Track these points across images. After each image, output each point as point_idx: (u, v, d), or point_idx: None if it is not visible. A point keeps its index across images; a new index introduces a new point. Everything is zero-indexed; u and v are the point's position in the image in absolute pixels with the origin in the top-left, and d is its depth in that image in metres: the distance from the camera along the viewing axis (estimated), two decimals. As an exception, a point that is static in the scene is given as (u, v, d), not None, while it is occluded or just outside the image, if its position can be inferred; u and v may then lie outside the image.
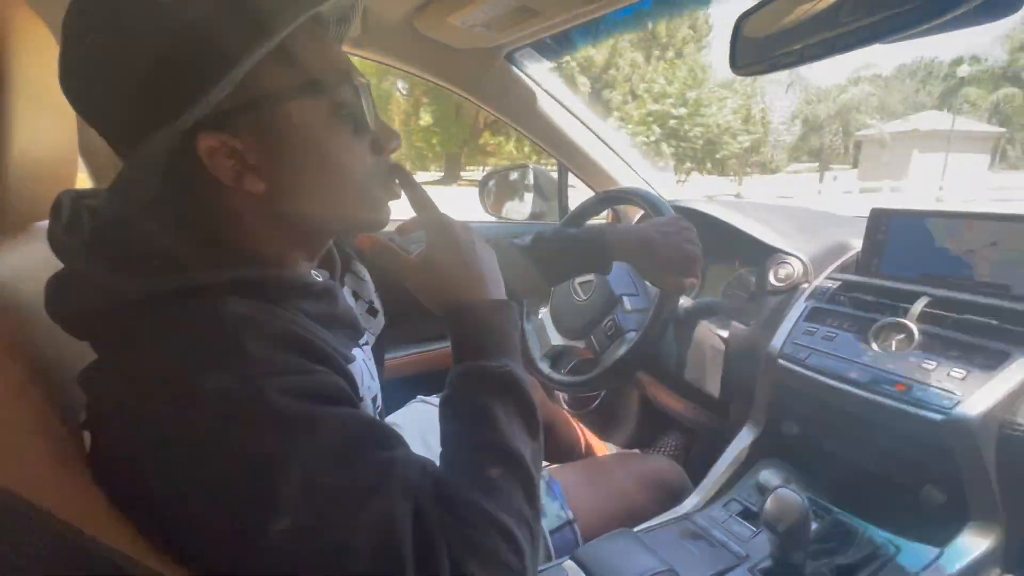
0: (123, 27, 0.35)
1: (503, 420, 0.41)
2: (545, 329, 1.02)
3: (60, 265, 0.39)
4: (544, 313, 1.05)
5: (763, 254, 0.94)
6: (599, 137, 1.31)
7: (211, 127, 0.37)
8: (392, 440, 0.39)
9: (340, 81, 0.41)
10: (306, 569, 0.32)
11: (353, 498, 0.34)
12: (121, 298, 0.36)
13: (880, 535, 0.63)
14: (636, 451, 1.30)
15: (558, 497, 0.76)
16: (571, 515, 0.74)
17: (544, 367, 0.99)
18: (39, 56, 0.44)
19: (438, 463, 0.41)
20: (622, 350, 0.88)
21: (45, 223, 0.51)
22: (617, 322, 0.93)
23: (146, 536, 0.35)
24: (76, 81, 0.38)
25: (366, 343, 0.56)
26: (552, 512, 0.74)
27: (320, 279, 0.49)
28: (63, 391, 0.39)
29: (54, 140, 0.49)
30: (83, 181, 0.62)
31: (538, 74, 1.20)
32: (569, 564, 0.65)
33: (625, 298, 0.96)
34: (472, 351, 0.45)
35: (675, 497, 0.83)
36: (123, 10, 0.35)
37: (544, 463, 0.85)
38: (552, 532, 0.72)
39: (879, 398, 0.65)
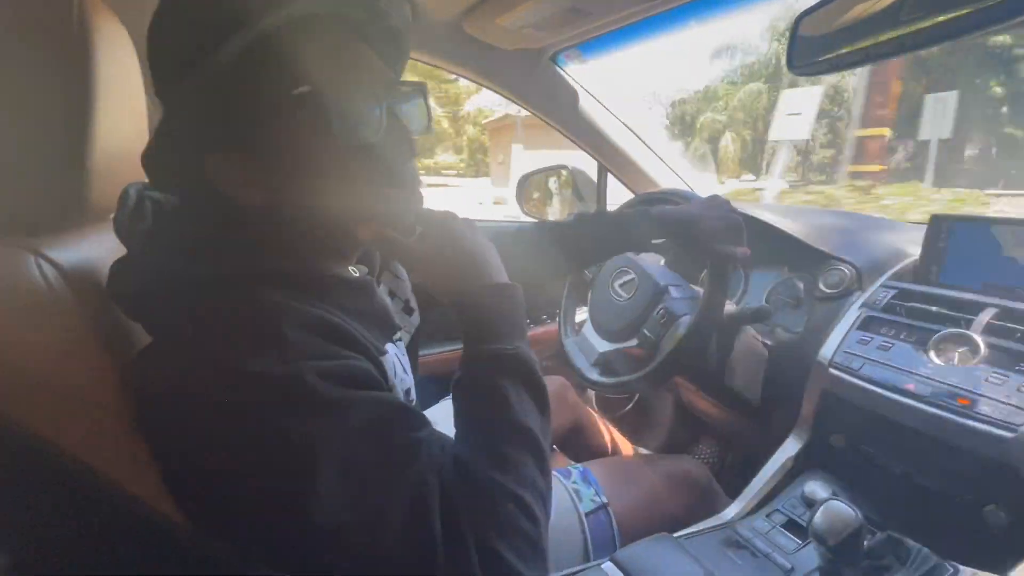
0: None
1: (514, 398, 0.43)
2: (588, 340, 1.00)
3: None
4: (586, 327, 1.03)
5: (812, 260, 0.92)
6: (640, 138, 1.30)
7: (217, 141, 0.40)
8: (418, 421, 0.41)
9: (333, 91, 0.40)
10: (341, 542, 0.34)
11: (385, 475, 0.36)
12: (174, 282, 0.39)
13: (936, 556, 0.61)
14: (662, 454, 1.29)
15: (592, 484, 0.78)
16: (605, 499, 0.76)
17: (594, 375, 0.97)
18: (118, 56, 0.47)
19: None
20: (681, 331, 0.85)
21: None
22: (669, 309, 0.90)
23: (188, 512, 0.37)
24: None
25: (399, 339, 0.58)
26: (587, 497, 0.76)
27: (357, 275, 0.51)
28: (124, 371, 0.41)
29: (129, 137, 0.51)
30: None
31: (580, 75, 1.20)
32: (608, 566, 0.65)
33: (671, 288, 0.94)
34: (480, 335, 0.47)
35: (703, 496, 0.85)
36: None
37: (574, 463, 0.86)
38: (587, 514, 0.74)
39: (940, 412, 0.62)
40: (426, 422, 0.42)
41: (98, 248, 0.49)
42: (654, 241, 0.77)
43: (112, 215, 0.53)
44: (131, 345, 0.42)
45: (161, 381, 0.37)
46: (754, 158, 17.47)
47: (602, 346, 0.96)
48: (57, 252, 0.41)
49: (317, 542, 0.35)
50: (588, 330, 1.02)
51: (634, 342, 0.93)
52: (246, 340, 0.36)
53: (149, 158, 0.42)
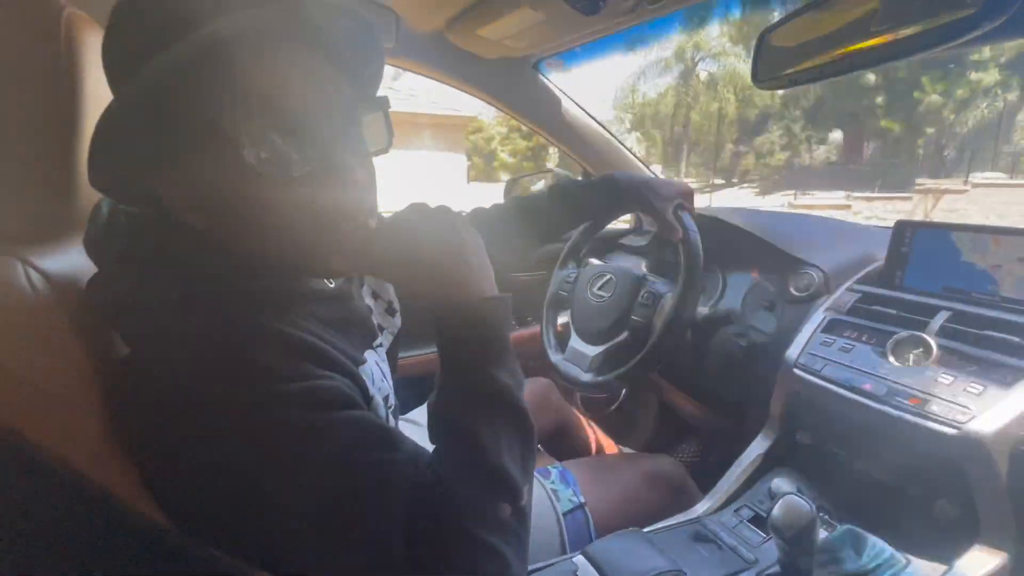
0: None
1: (488, 440, 0.40)
2: (577, 349, 0.99)
3: None
4: (572, 339, 1.03)
5: (783, 264, 0.95)
6: (620, 143, 1.33)
7: (157, 160, 0.38)
8: (392, 439, 0.40)
9: (267, 117, 0.36)
10: (310, 559, 0.36)
11: (352, 502, 0.36)
12: (145, 301, 0.38)
13: (890, 547, 0.64)
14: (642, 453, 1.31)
15: (571, 484, 0.80)
16: (582, 499, 0.78)
17: (591, 378, 0.95)
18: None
19: None
20: (667, 307, 0.88)
21: None
22: (652, 291, 0.94)
23: (169, 514, 0.39)
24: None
25: (380, 345, 0.57)
26: (565, 496, 0.78)
27: (332, 284, 0.49)
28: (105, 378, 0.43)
29: None
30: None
31: (563, 82, 1.23)
32: (579, 559, 0.68)
33: (649, 277, 0.98)
34: (456, 362, 0.43)
35: (678, 493, 0.87)
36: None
37: (556, 462, 0.88)
38: (565, 514, 0.76)
39: (892, 411, 0.65)
40: (400, 441, 0.40)
41: (84, 257, 0.51)
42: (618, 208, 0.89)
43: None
44: (114, 351, 0.43)
45: (138, 392, 0.38)
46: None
47: (592, 351, 0.96)
48: (44, 260, 0.42)
49: (276, 558, 0.36)
50: (575, 341, 1.02)
51: (624, 335, 0.94)
52: (214, 364, 0.35)
53: (97, 169, 0.37)
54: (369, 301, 0.60)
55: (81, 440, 0.37)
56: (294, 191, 0.38)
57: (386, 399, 0.54)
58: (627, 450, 1.34)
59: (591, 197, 0.84)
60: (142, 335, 0.39)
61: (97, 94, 0.46)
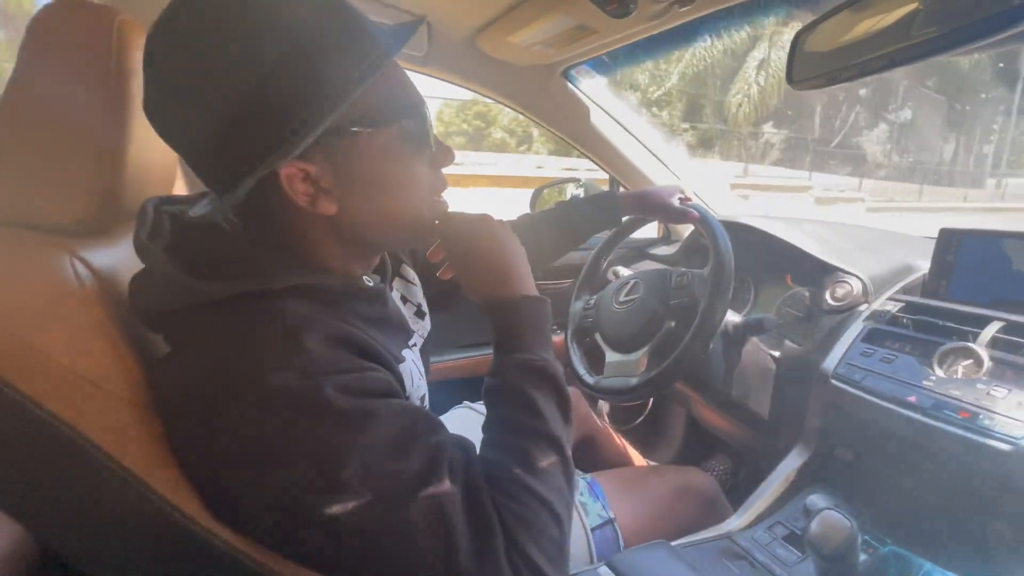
0: (209, 69, 0.37)
1: (544, 408, 0.45)
2: (622, 363, 0.94)
3: None
4: (610, 357, 1.00)
5: (820, 272, 0.92)
6: (650, 150, 1.31)
7: (294, 156, 0.39)
8: (438, 426, 0.42)
9: (408, 109, 0.44)
10: (368, 547, 0.36)
11: (408, 482, 0.37)
12: (194, 299, 0.39)
13: (939, 571, 0.60)
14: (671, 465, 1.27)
15: (600, 498, 0.78)
16: (612, 514, 0.76)
17: (641, 379, 0.89)
18: None
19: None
20: (702, 305, 0.81)
21: None
22: (680, 273, 0.91)
23: (211, 511, 0.39)
24: (160, 114, 0.40)
25: (415, 344, 0.59)
26: (594, 511, 0.76)
27: (371, 283, 0.52)
28: (145, 372, 0.43)
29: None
30: (180, 188, 0.69)
31: (592, 89, 1.22)
32: (604, 570, 0.66)
33: (673, 273, 0.93)
34: (511, 344, 0.49)
35: (709, 507, 0.84)
36: (210, 51, 0.37)
37: (584, 473, 0.86)
38: (594, 529, 0.74)
39: (940, 424, 0.62)
40: (443, 427, 0.43)
41: (126, 251, 0.53)
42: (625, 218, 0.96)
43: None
44: (152, 345, 0.44)
45: (183, 390, 0.38)
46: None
47: (634, 355, 0.91)
48: (91, 254, 0.44)
49: (342, 546, 0.36)
50: (611, 356, 0.95)
51: (671, 324, 0.88)
52: (268, 354, 0.37)
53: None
54: (399, 305, 0.61)
55: (113, 426, 0.38)
56: (425, 166, 0.47)
57: (422, 398, 0.56)
58: (654, 464, 1.30)
59: (597, 210, 0.91)
60: (192, 331, 0.40)
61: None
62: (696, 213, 0.87)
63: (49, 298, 0.40)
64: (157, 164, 0.55)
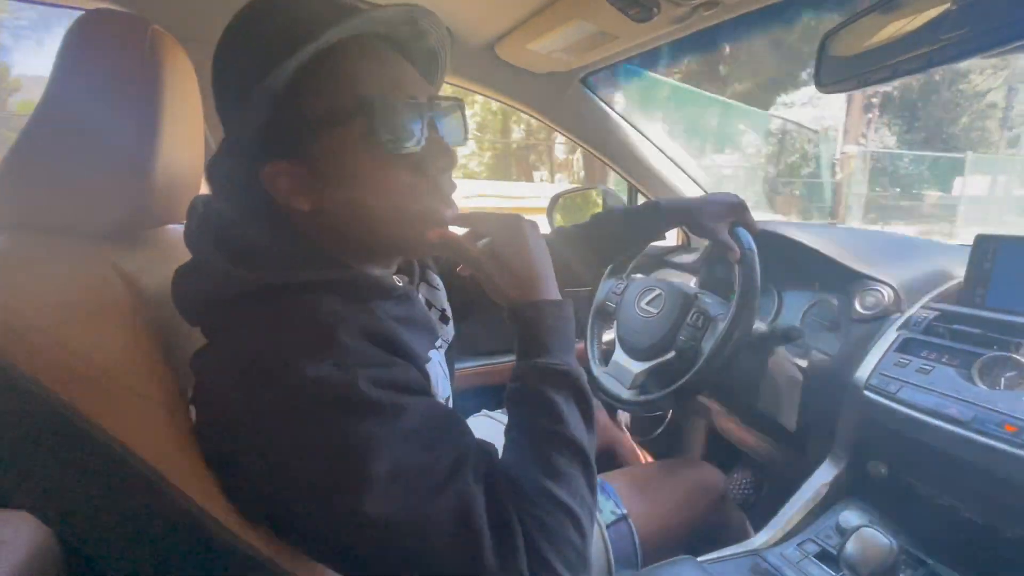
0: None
1: (566, 413, 0.44)
2: (620, 364, 0.96)
3: (178, 264, 0.45)
4: (616, 353, 1.00)
5: (848, 280, 0.89)
6: (668, 157, 1.30)
7: (272, 153, 0.42)
8: (465, 426, 0.43)
9: (375, 106, 0.42)
10: (392, 541, 0.35)
11: (435, 477, 0.37)
12: (236, 288, 0.40)
13: (985, 594, 0.57)
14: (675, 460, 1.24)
15: (612, 496, 0.79)
16: (625, 511, 0.77)
17: (631, 395, 0.92)
18: (182, 82, 0.52)
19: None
20: (720, 327, 0.80)
21: (174, 226, 0.59)
22: (703, 311, 0.88)
23: (239, 507, 0.39)
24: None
25: (441, 346, 0.59)
26: (607, 509, 0.77)
27: (400, 283, 0.52)
28: (177, 369, 0.44)
29: (188, 156, 0.56)
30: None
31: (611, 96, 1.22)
32: (629, 586, 0.64)
33: (700, 295, 0.92)
34: (534, 348, 0.48)
35: (718, 503, 0.87)
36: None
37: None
38: (608, 526, 0.75)
39: (983, 438, 0.59)
40: (469, 429, 0.43)
41: (155, 253, 0.53)
42: (662, 232, 0.84)
43: (168, 224, 0.58)
44: (181, 347, 0.45)
45: (219, 381, 0.39)
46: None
47: (636, 367, 0.92)
48: (125, 259, 0.45)
49: (368, 540, 0.36)
50: (619, 355, 0.98)
51: (671, 354, 0.89)
52: (304, 346, 0.37)
53: (211, 170, 0.45)
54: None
55: (143, 426, 0.38)
56: (406, 167, 0.45)
57: (447, 400, 0.56)
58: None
59: (635, 224, 0.81)
60: (231, 321, 0.41)
61: (174, 106, 0.49)
62: (738, 253, 0.79)
63: (89, 304, 0.40)
64: (184, 171, 0.55)
